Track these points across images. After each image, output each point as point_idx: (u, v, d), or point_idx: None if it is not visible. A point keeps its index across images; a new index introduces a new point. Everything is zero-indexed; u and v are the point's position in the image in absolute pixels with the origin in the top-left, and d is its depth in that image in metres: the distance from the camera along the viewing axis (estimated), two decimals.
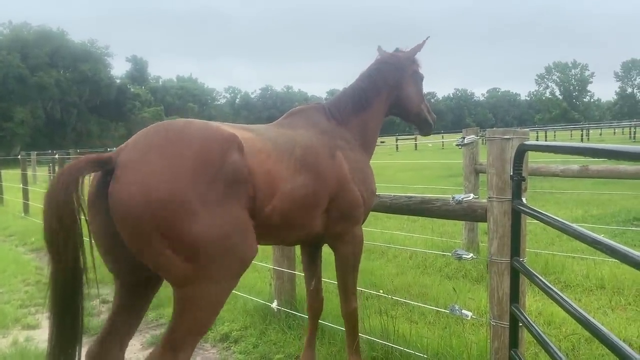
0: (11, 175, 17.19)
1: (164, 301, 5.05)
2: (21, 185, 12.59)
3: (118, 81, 78.94)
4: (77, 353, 2.21)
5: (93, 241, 2.26)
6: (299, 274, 4.75)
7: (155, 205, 2.01)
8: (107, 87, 72.66)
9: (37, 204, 11.82)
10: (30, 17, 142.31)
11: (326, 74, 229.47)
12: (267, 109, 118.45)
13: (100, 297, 5.52)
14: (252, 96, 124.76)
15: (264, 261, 5.96)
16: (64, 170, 2.08)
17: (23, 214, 11.81)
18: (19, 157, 14.03)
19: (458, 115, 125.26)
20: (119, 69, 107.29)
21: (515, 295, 2.54)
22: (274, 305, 4.34)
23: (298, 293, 4.47)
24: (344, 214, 2.91)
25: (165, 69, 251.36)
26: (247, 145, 2.39)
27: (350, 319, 3.15)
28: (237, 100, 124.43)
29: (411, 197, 3.33)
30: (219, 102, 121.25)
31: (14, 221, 11.33)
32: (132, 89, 79.80)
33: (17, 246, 8.89)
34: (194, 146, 2.17)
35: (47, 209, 2.05)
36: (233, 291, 4.79)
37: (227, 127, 2.46)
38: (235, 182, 2.24)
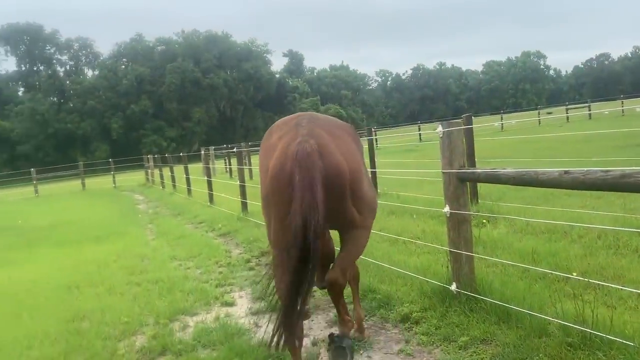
0: (193, 169, 19.25)
1: None
2: (205, 178, 14.00)
3: (277, 76, 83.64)
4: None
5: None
6: (478, 255, 4.61)
7: (351, 171, 3.04)
8: (268, 83, 77.48)
9: (220, 194, 13.08)
10: (198, 24, 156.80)
11: (481, 46, 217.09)
12: (419, 88, 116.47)
13: None
14: (404, 77, 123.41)
15: (436, 243, 5.91)
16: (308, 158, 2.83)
17: (209, 203, 13.15)
18: (202, 152, 15.64)
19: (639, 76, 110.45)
20: (277, 64, 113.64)
21: None
22: (453, 287, 4.26)
23: (477, 275, 4.34)
24: None
25: (319, 60, 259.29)
26: None
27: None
28: (389, 82, 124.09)
29: (608, 170, 3.00)
30: (370, 87, 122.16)
31: (202, 210, 12.68)
32: (290, 82, 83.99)
33: (207, 232, 9.94)
34: (348, 131, 3.42)
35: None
36: (409, 273, 4.83)
37: None
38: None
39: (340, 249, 3.35)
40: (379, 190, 10.70)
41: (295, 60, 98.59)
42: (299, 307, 2.89)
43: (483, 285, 4.21)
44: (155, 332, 4.55)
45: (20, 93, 72.67)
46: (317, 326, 4.41)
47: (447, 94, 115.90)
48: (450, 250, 4.38)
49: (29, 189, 29.26)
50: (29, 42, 71.71)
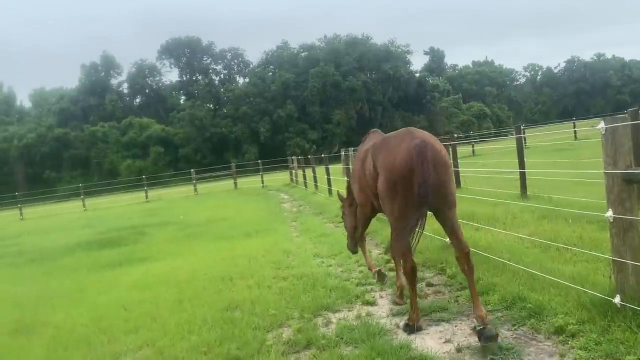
0: (334, 170, 19.74)
1: (488, 288, 5.05)
2: (345, 178, 14.29)
3: (417, 75, 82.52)
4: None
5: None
6: None
7: (449, 162, 4.40)
8: (407, 82, 76.74)
9: None
10: (339, 28, 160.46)
11: None
12: (574, 82, 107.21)
13: (425, 281, 5.86)
14: (556, 71, 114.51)
15: (595, 250, 5.39)
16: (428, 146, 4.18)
17: None
18: (342, 153, 15.99)
19: None
20: (417, 64, 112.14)
21: None
22: (616, 300, 3.85)
23: None
24: None
25: (461, 57, 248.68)
26: None
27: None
28: (539, 77, 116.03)
29: None
30: (518, 82, 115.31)
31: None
32: (430, 81, 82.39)
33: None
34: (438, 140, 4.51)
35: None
36: (563, 282, 4.47)
37: None
38: None
39: (449, 226, 4.34)
40: (528, 192, 10.06)
41: (435, 58, 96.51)
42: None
43: None
44: (300, 326, 4.74)
45: (181, 101, 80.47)
46: (461, 332, 4.26)
47: (606, 87, 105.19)
48: (613, 259, 3.97)
49: (189, 187, 32.30)
50: (189, 54, 79.19)
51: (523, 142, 10.84)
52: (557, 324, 3.95)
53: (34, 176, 62.82)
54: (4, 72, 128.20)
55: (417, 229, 4.26)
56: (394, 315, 4.90)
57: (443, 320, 4.58)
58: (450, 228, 4.31)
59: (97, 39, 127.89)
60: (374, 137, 5.33)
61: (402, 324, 4.53)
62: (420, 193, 4.02)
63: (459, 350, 3.90)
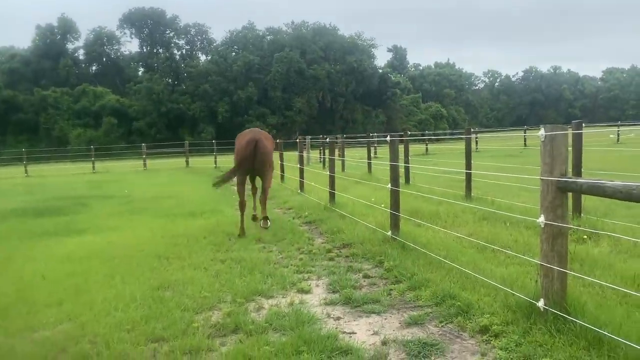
0: (290, 157, 19.61)
1: (421, 284, 5.10)
2: (298, 166, 14.22)
3: (380, 71, 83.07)
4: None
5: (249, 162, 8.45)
6: (572, 273, 4.23)
7: (270, 151, 8.69)
8: (370, 77, 77.17)
9: (311, 183, 13.21)
10: (307, 15, 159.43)
11: (602, 51, 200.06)
12: (529, 92, 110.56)
13: (362, 272, 5.87)
14: (513, 79, 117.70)
15: (528, 254, 5.52)
16: (254, 142, 8.41)
17: (299, 191, 13.34)
18: (297, 140, 15.87)
19: None
20: (380, 59, 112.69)
21: None
22: (540, 304, 3.95)
23: (569, 294, 3.98)
24: None
25: (423, 58, 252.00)
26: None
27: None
28: (497, 84, 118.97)
29: None
30: (476, 87, 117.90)
31: (292, 197, 12.88)
32: (392, 78, 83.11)
33: (293, 218, 10.07)
34: (269, 137, 9.00)
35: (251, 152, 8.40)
36: (494, 283, 4.55)
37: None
38: None
39: (263, 181, 8.82)
40: (472, 194, 10.28)
41: (398, 56, 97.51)
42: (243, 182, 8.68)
43: (574, 305, 3.85)
44: (230, 310, 4.65)
45: (140, 73, 78.19)
46: (390, 326, 4.28)
47: (559, 100, 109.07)
48: (541, 264, 4.06)
49: (139, 162, 31.48)
50: (152, 25, 76.90)
51: (472, 144, 11.04)
52: (482, 323, 4.02)
53: None
54: None
55: (246, 185, 8.74)
56: (327, 304, 4.88)
57: (374, 313, 4.58)
58: (261, 183, 8.83)
59: (54, 4, 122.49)
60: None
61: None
62: (252, 164, 8.37)
63: (384, 343, 3.90)
